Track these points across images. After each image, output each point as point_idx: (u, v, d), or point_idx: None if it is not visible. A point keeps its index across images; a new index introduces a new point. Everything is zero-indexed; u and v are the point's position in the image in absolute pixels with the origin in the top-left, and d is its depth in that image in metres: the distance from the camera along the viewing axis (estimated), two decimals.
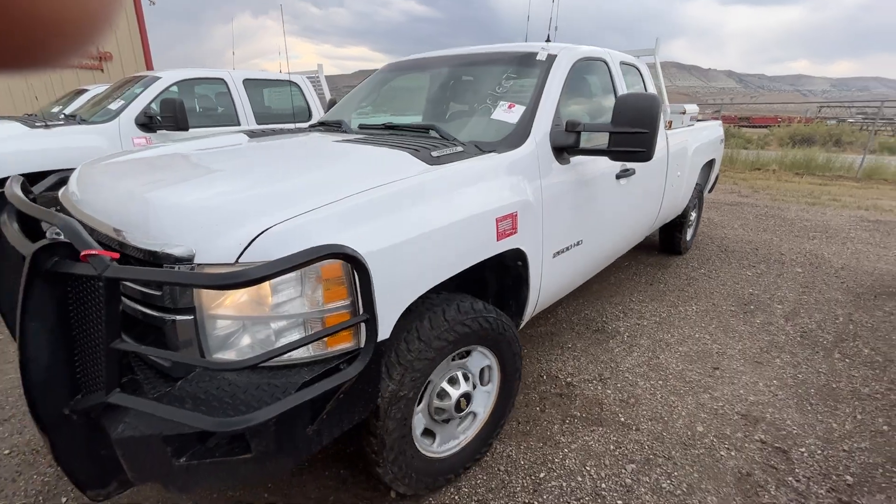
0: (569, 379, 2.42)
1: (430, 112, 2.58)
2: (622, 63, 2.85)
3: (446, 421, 1.66)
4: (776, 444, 1.96)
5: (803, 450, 1.93)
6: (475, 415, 1.78)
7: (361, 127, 2.37)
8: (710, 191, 4.87)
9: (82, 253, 0.94)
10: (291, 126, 2.74)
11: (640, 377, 2.44)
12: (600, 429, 2.05)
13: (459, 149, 1.73)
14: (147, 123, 3.99)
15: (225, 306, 1.09)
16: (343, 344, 1.17)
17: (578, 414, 2.14)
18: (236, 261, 1.05)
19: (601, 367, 2.53)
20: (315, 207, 1.17)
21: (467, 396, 1.65)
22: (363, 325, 1.14)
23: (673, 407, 2.20)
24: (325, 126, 2.52)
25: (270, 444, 1.05)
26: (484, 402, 1.79)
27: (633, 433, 2.02)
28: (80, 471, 1.08)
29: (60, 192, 1.66)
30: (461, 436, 1.74)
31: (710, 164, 4.45)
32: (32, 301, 0.96)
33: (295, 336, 1.11)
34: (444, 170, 1.55)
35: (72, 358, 1.04)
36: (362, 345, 1.16)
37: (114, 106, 4.09)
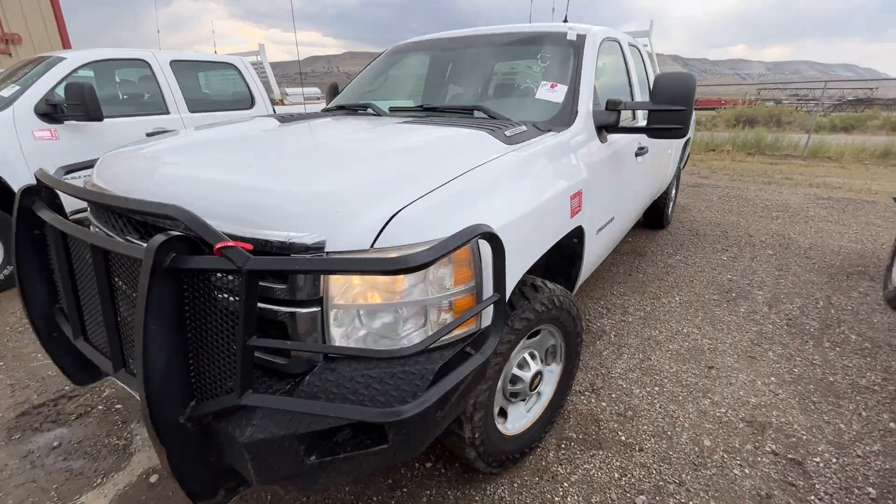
0: None
1: (459, 93, 2.46)
2: (628, 44, 2.90)
3: (521, 400, 1.69)
4: (789, 456, 1.78)
5: (818, 459, 1.76)
6: (540, 394, 1.79)
7: (393, 110, 2.23)
8: (683, 166, 4.91)
9: (217, 246, 0.88)
10: (303, 111, 2.52)
11: (635, 384, 2.22)
12: (601, 452, 1.80)
13: (523, 128, 1.72)
14: (50, 113, 3.36)
15: (352, 295, 1.05)
16: (467, 327, 1.15)
17: (574, 435, 1.89)
18: (371, 246, 1.02)
19: (592, 375, 2.29)
20: (431, 190, 1.15)
21: (539, 375, 1.66)
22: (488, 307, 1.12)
23: (674, 418, 1.99)
24: (345, 109, 2.38)
25: (408, 433, 1.02)
26: (550, 382, 1.81)
27: (637, 455, 1.79)
28: (193, 481, 1.03)
29: (92, 187, 1.41)
30: (528, 416, 1.74)
31: (687, 142, 4.49)
32: (153, 302, 0.90)
33: (412, 322, 1.08)
34: (525, 148, 1.55)
35: (187, 362, 0.98)
36: (481, 326, 1.17)
37: (6, 93, 3.42)
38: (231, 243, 0.89)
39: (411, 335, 1.07)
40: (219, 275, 0.94)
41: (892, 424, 1.95)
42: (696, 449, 1.81)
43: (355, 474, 1.07)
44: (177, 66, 4.29)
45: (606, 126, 2.02)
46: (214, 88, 4.92)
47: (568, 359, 1.81)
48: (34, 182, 1.36)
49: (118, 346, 1.16)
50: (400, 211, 1.06)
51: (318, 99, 6.77)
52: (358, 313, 1.06)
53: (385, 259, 0.87)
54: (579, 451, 1.80)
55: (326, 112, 2.41)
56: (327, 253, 1.00)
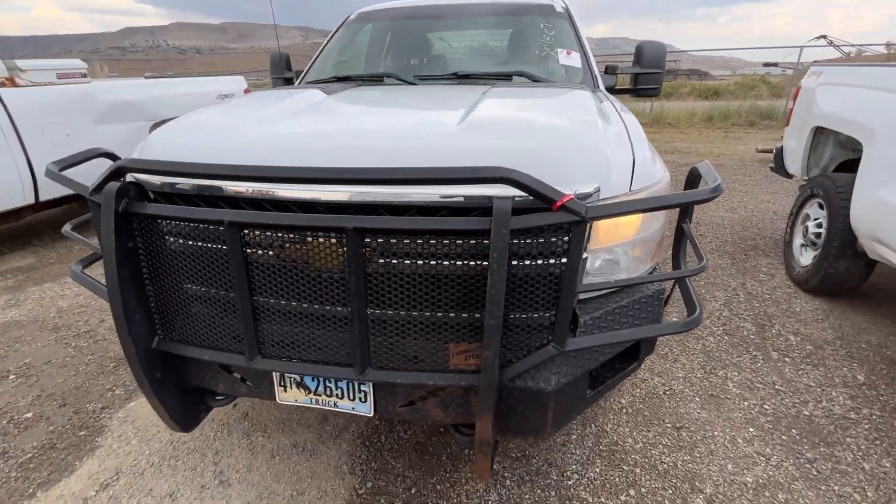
0: None
1: (477, 60, 2.53)
2: None
3: None
4: None
5: None
6: None
7: (422, 79, 2.12)
8: None
9: (560, 201, 0.89)
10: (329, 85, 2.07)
11: (602, 491, 1.51)
12: None
13: (587, 88, 1.91)
14: None
15: (604, 239, 1.10)
16: (657, 257, 1.28)
17: None
18: (630, 189, 1.10)
19: (542, 487, 1.52)
20: (629, 142, 1.23)
21: None
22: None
23: None
24: (352, 80, 2.17)
25: (651, 347, 1.28)
26: None
27: None
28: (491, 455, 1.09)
29: (260, 167, 0.98)
30: None
31: None
32: (508, 273, 0.91)
33: (631, 256, 1.17)
34: (609, 105, 1.61)
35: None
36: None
37: None
38: (570, 196, 0.89)
39: (625, 269, 1.17)
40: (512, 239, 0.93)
41: None
42: None
43: (597, 400, 1.30)
44: None
45: (607, 88, 2.17)
46: None
47: None
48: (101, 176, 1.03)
49: (367, 344, 1.04)
50: (636, 157, 1.17)
51: (84, 76, 4.79)
52: (611, 252, 1.14)
53: (700, 191, 1.00)
54: None
55: (323, 84, 2.16)
56: (600, 199, 1.03)
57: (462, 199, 0.97)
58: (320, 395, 1.15)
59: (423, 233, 0.93)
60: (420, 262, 0.96)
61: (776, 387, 1.99)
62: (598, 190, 1.02)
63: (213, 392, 1.32)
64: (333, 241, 0.96)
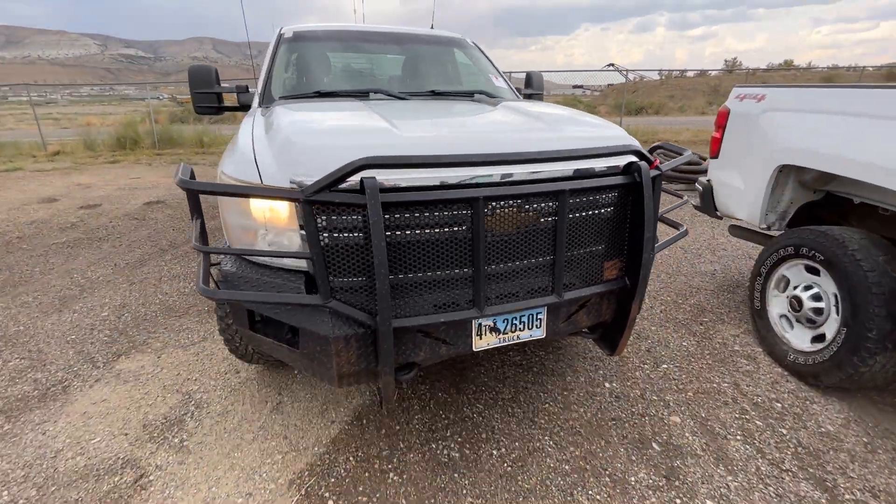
0: None
1: (416, 82, 2.70)
2: None
3: None
4: None
5: None
6: None
7: (412, 94, 2.35)
8: None
9: (654, 163, 1.48)
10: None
11: None
12: None
13: None
14: None
15: None
16: None
17: None
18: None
19: None
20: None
21: None
22: None
23: None
24: (336, 96, 2.26)
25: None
26: None
27: None
28: None
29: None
30: None
31: None
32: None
33: None
34: None
35: None
36: None
37: None
38: (658, 160, 1.53)
39: None
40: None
41: None
42: None
43: None
44: None
45: None
46: None
47: None
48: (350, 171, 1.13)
49: (562, 276, 1.46)
50: (638, 143, 1.60)
51: None
52: None
53: (686, 155, 1.81)
54: None
55: (310, 99, 2.24)
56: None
57: (618, 166, 1.49)
58: (507, 334, 1.46)
59: (606, 188, 1.45)
60: (594, 211, 1.46)
61: None
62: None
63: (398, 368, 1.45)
64: (548, 203, 1.36)
